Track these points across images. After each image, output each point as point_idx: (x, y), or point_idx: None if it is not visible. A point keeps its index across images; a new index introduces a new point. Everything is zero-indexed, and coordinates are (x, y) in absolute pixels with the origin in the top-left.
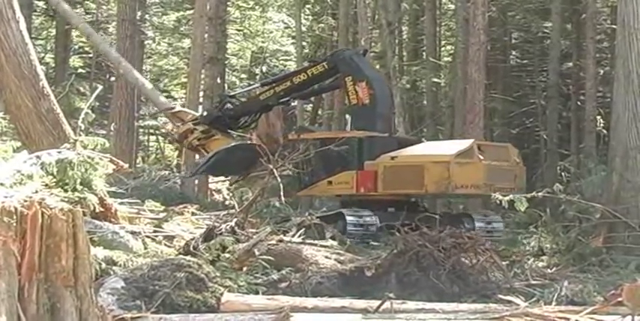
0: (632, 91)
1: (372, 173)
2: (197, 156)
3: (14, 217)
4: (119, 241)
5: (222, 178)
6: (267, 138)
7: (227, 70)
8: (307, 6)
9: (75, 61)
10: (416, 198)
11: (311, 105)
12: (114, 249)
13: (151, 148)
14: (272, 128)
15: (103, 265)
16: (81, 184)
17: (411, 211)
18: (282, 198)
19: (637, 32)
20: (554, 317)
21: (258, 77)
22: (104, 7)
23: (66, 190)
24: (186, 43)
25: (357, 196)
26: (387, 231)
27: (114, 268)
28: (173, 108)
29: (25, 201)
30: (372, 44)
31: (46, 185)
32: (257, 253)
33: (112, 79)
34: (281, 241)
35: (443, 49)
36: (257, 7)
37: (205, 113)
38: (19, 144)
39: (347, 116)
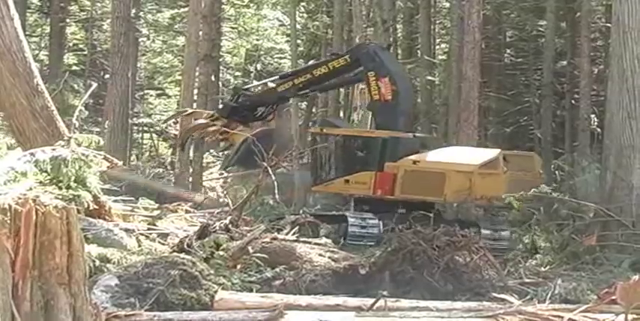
0: (626, 89)
1: (392, 176)
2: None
3: (8, 214)
4: (113, 238)
5: (216, 176)
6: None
7: (221, 67)
8: (302, 4)
9: (69, 58)
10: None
11: (305, 103)
12: (108, 246)
13: (145, 146)
14: (266, 126)
15: (97, 263)
16: (75, 181)
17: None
18: (277, 196)
19: (632, 31)
20: (548, 315)
21: (252, 75)
22: (98, 4)
23: (60, 188)
24: (181, 40)
25: (372, 197)
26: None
27: (108, 265)
28: (186, 110)
29: (19, 198)
30: (367, 42)
31: (40, 182)
32: (251, 250)
33: (106, 76)
34: (275, 239)
35: (437, 47)
36: (252, 5)
37: (221, 106)
38: (13, 141)
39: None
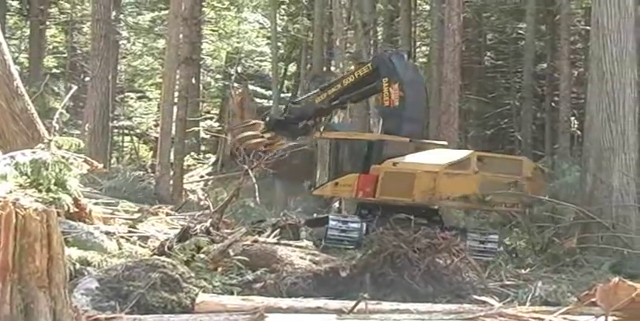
0: (605, 92)
1: (374, 178)
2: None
3: None
4: (93, 241)
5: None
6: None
7: (202, 70)
8: (282, 6)
9: (49, 61)
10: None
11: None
12: (88, 249)
13: (125, 149)
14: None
15: (78, 266)
16: (55, 184)
17: (424, 220)
18: (258, 199)
19: (611, 33)
20: (528, 317)
21: (233, 78)
22: (79, 6)
23: (40, 191)
24: (161, 43)
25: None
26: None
27: (88, 268)
28: (249, 121)
29: None
30: (348, 45)
31: (20, 185)
32: (232, 253)
33: (87, 79)
34: (256, 241)
35: (418, 49)
36: (232, 8)
37: (267, 119)
38: None
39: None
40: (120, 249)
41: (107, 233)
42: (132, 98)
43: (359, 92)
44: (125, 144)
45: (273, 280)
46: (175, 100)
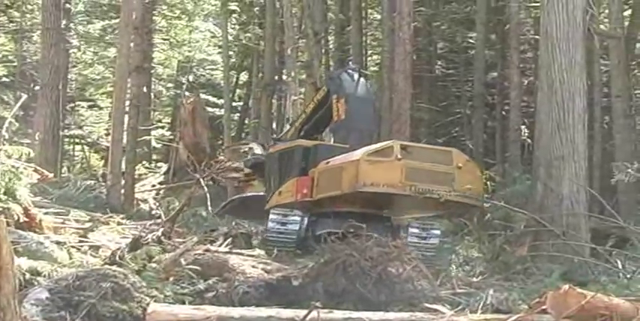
0: (555, 101)
1: (310, 179)
2: None
3: None
4: (44, 251)
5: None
6: (194, 147)
7: (153, 79)
8: (234, 15)
9: None
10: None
11: (238, 114)
12: (38, 259)
13: (76, 158)
14: (199, 138)
15: (27, 276)
16: (5, 193)
17: (373, 221)
18: (209, 208)
19: (559, 43)
20: None
21: (184, 86)
22: (28, 15)
23: None
24: (112, 52)
25: (300, 202)
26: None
27: (38, 278)
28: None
29: None
30: (299, 53)
31: None
32: (184, 262)
33: (37, 88)
34: (208, 250)
35: (369, 58)
36: (183, 17)
37: (248, 157)
38: None
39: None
40: (70, 259)
41: (58, 243)
42: (83, 107)
43: (320, 116)
44: (76, 153)
45: (225, 289)
46: (127, 108)
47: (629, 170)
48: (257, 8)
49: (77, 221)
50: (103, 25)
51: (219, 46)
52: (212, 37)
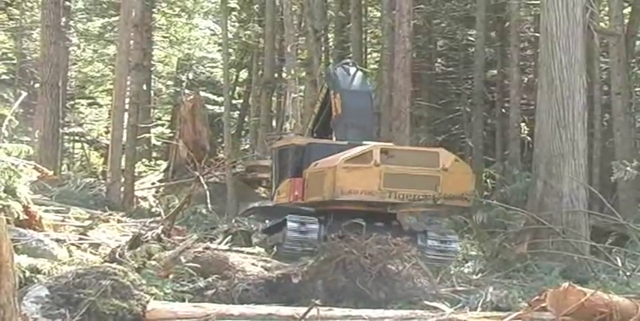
0: (555, 98)
1: (302, 181)
2: None
3: None
4: (43, 249)
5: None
6: (193, 145)
7: (153, 77)
8: (234, 13)
9: None
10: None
11: (238, 112)
12: (38, 257)
13: (76, 156)
14: (198, 135)
15: (27, 274)
16: (5, 191)
17: (383, 223)
18: (209, 205)
19: (559, 40)
20: None
21: (184, 84)
22: (28, 13)
23: None
24: (112, 49)
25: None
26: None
27: (38, 276)
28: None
29: None
30: (299, 51)
31: None
32: (183, 260)
33: (37, 85)
34: (207, 248)
35: (369, 56)
36: (183, 14)
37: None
38: None
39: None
40: (70, 256)
41: (57, 240)
42: (82, 105)
43: (325, 115)
44: (76, 151)
45: (224, 286)
46: (126, 106)
47: (629, 168)
48: (257, 6)
49: (77, 219)
50: (103, 23)
51: (219, 44)
52: (212, 34)
